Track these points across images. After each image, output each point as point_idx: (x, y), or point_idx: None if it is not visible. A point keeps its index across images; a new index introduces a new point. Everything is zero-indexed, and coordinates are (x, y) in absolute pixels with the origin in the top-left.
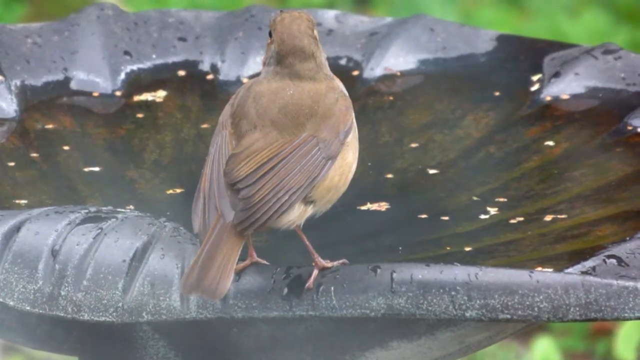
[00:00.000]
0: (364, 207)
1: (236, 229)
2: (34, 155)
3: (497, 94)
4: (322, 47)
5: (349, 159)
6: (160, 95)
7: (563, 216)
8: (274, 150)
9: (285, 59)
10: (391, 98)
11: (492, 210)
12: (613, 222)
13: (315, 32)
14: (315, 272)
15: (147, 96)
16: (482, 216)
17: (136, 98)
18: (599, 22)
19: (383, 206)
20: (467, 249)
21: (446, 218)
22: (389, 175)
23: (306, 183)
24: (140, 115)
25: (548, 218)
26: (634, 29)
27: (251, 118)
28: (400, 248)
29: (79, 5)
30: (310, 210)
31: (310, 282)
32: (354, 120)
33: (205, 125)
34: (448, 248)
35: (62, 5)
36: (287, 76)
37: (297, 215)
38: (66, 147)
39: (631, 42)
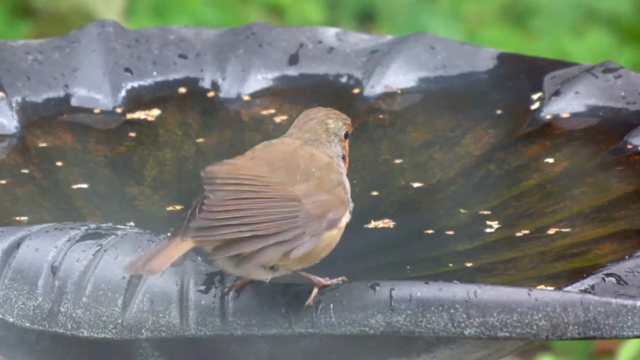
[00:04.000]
0: (369, 226)
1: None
2: (35, 171)
3: (497, 112)
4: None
5: (339, 232)
6: (153, 114)
7: (562, 234)
8: (258, 176)
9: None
10: (391, 116)
11: (492, 228)
12: (612, 240)
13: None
14: (315, 290)
15: (140, 114)
16: (482, 234)
17: (129, 116)
18: (603, 42)
19: (388, 223)
20: (466, 266)
21: (448, 235)
22: (389, 193)
23: (273, 240)
24: (141, 132)
25: (547, 236)
26: (638, 49)
27: (251, 154)
28: (401, 266)
29: (81, 24)
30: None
31: (310, 300)
32: (345, 219)
33: (201, 140)
34: (451, 265)
35: (65, 24)
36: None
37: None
38: (66, 164)
39: (635, 62)
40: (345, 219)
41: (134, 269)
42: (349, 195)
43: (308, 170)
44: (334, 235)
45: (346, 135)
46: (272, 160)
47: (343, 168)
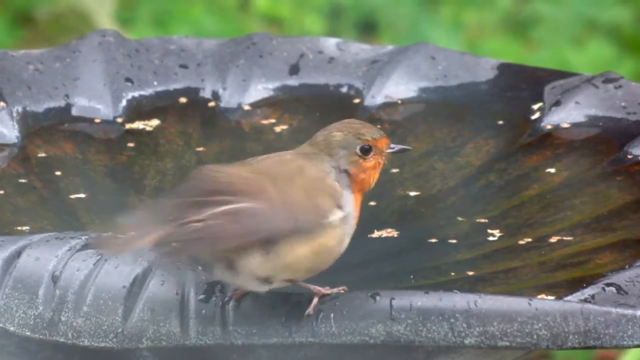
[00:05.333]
0: (372, 235)
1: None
2: (35, 181)
3: (497, 122)
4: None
5: (330, 243)
6: (153, 124)
7: (563, 244)
8: (237, 175)
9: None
10: (392, 126)
11: (493, 238)
12: (612, 250)
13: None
14: (315, 299)
15: (140, 124)
16: (482, 244)
17: (129, 126)
18: (604, 53)
19: (392, 233)
20: (467, 276)
21: (448, 245)
22: (390, 203)
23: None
24: (141, 142)
25: (548, 246)
26: (639, 60)
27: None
28: (402, 275)
29: (77, 27)
30: (272, 260)
31: (310, 309)
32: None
33: (202, 149)
34: (453, 274)
35: (61, 25)
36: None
37: (258, 262)
38: (67, 174)
39: (636, 73)
40: (340, 229)
41: (96, 245)
42: (346, 209)
43: (291, 179)
44: (326, 244)
45: (364, 150)
46: (258, 167)
47: (345, 183)
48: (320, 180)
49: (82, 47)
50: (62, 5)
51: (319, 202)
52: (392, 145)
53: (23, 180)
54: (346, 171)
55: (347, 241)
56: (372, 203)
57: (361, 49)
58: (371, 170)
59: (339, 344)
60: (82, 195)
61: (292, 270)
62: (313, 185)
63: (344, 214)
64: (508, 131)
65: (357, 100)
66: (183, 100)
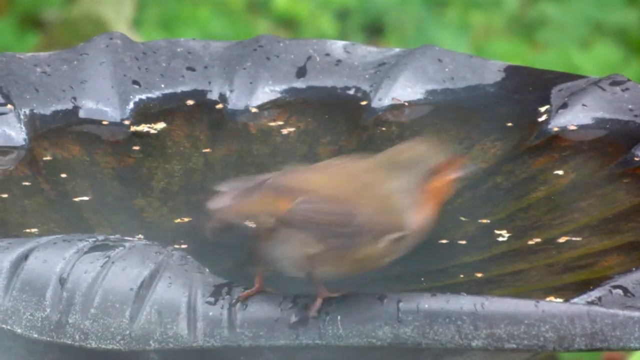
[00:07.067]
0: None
1: None
2: (43, 183)
3: (504, 124)
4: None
5: (373, 256)
6: (160, 126)
7: (570, 246)
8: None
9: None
10: (399, 128)
11: (500, 240)
12: (620, 252)
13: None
14: (319, 301)
15: (146, 127)
16: (490, 246)
17: (136, 129)
18: (610, 55)
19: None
20: (475, 278)
21: (455, 247)
22: None
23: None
24: (148, 145)
25: (555, 248)
26: None
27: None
28: (410, 277)
29: (93, 33)
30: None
31: (313, 311)
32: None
33: (209, 152)
34: (461, 276)
35: (76, 32)
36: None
37: (299, 252)
38: (75, 176)
39: None
40: (390, 240)
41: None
42: (406, 228)
43: (357, 195)
44: (368, 252)
45: (434, 170)
46: (332, 179)
47: (411, 202)
48: (386, 198)
49: (89, 50)
50: (76, 12)
51: (388, 219)
52: (462, 166)
53: (30, 183)
54: (415, 190)
55: (389, 260)
56: None
57: (368, 52)
58: (440, 190)
59: (346, 346)
60: (89, 198)
61: (331, 266)
62: (381, 202)
63: (402, 233)
64: (515, 133)
65: (364, 103)
66: (190, 102)
